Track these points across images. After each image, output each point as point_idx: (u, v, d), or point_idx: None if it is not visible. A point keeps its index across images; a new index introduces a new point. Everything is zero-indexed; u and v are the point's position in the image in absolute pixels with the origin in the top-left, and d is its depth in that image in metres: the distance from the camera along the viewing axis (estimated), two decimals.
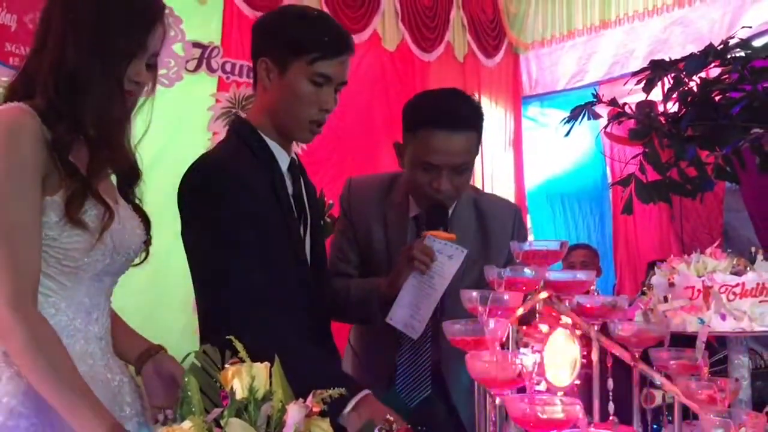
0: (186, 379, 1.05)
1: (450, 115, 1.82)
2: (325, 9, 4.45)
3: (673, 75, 2.56)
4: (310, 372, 1.07)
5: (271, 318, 1.49)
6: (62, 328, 1.26)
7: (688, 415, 1.32)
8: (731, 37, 2.46)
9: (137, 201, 1.44)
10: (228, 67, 4.08)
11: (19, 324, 1.17)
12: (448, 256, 1.69)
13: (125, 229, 1.34)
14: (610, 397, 1.36)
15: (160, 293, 3.56)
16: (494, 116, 5.50)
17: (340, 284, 1.86)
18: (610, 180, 5.49)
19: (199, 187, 1.59)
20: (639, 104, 2.88)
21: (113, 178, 1.43)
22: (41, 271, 1.24)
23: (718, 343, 2.54)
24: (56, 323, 1.25)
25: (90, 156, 1.29)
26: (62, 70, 1.26)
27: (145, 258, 1.44)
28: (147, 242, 1.42)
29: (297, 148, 1.78)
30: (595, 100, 2.70)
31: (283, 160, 1.67)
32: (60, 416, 1.18)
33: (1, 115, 1.24)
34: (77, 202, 1.23)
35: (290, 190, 1.67)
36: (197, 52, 3.98)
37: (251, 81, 4.46)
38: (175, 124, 3.70)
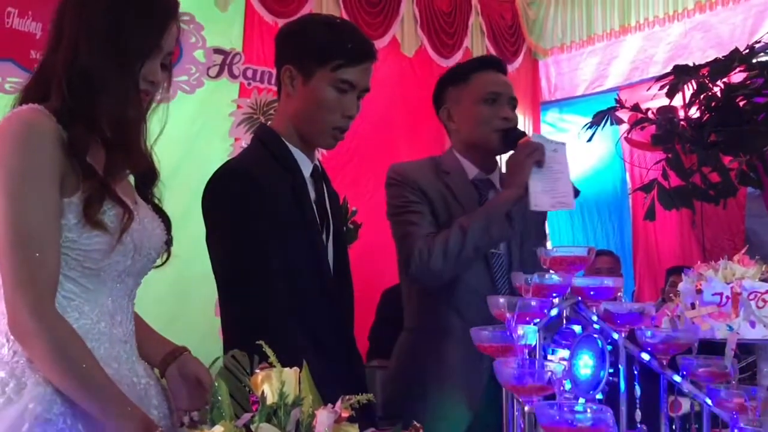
0: (216, 384, 1.05)
1: (493, 60, 2.19)
2: (345, 15, 4.47)
3: (696, 80, 2.54)
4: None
5: (283, 326, 1.50)
6: (86, 332, 1.24)
7: (717, 423, 1.31)
8: (757, 42, 2.44)
9: (156, 201, 1.42)
10: (249, 73, 4.12)
11: (40, 329, 1.15)
12: (553, 150, 1.90)
13: (146, 229, 1.31)
14: (638, 405, 1.35)
15: (183, 298, 3.59)
16: None
17: (442, 235, 1.88)
18: (629, 185, 5.45)
19: (221, 193, 1.61)
20: (660, 109, 2.86)
21: (131, 179, 1.41)
22: (63, 275, 1.22)
23: (740, 350, 2.51)
24: (80, 327, 1.23)
25: (107, 157, 1.26)
26: (75, 70, 1.24)
27: (167, 259, 1.42)
28: (168, 242, 1.39)
29: (317, 154, 1.79)
30: (617, 105, 2.69)
31: (306, 167, 1.68)
32: (87, 422, 1.17)
33: (16, 117, 1.22)
34: (95, 204, 1.20)
35: (312, 196, 1.68)
36: (218, 58, 4.02)
37: (273, 87, 4.48)
38: (196, 131, 3.74)
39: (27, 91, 1.29)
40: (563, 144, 1.94)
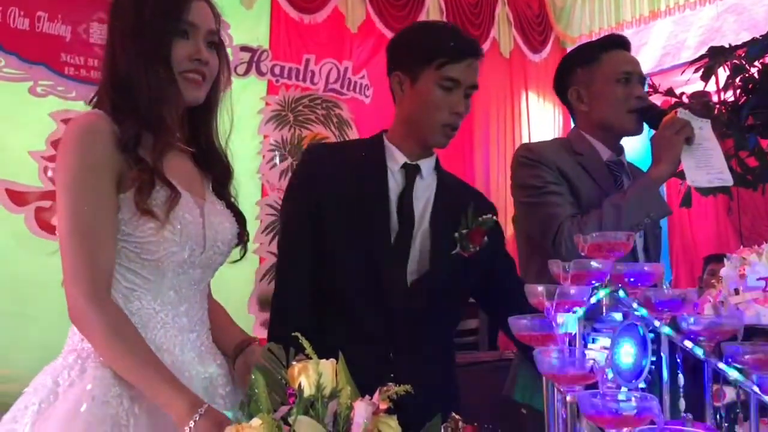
0: (253, 377, 1.05)
1: (621, 39, 2.10)
2: (370, 8, 4.47)
3: (731, 62, 2.48)
4: None
5: (284, 312, 1.58)
6: (147, 320, 1.31)
7: (765, 413, 1.26)
8: None
9: (232, 199, 1.49)
10: (277, 70, 4.12)
11: (97, 315, 1.23)
12: (698, 127, 1.86)
13: (211, 223, 1.38)
14: (681, 394, 1.31)
15: (216, 293, 3.61)
16: (542, 111, 5.43)
17: (593, 214, 1.84)
18: None
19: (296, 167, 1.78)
20: (694, 94, 2.80)
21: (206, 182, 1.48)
22: (124, 267, 1.30)
23: None
24: (142, 316, 1.31)
25: (153, 141, 1.33)
26: (116, 71, 1.34)
27: (244, 254, 1.50)
28: (241, 237, 1.47)
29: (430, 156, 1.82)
30: (650, 90, 2.63)
31: (394, 160, 1.70)
32: (143, 404, 1.24)
33: (76, 122, 1.32)
34: (145, 190, 1.28)
35: (397, 188, 1.68)
36: (246, 56, 4.03)
37: (300, 83, 4.49)
38: (226, 129, 3.74)
39: (95, 102, 1.39)
40: (707, 121, 1.89)
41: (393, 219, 1.65)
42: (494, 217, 1.72)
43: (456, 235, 1.67)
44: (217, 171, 1.47)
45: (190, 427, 1.16)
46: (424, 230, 1.67)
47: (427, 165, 1.73)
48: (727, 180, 1.85)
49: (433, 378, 1.68)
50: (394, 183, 1.68)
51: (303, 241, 1.65)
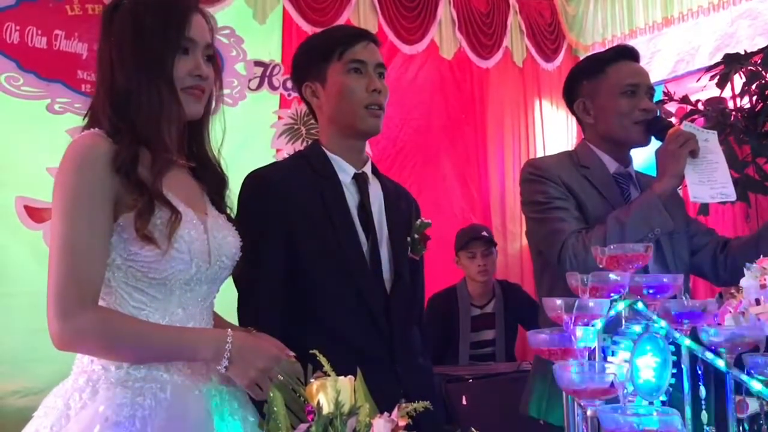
0: (271, 395, 1.05)
1: (628, 50, 2.09)
2: (382, 21, 4.48)
3: (747, 69, 2.47)
4: None
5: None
6: None
7: None
8: None
9: (228, 211, 1.50)
10: (289, 84, 4.14)
11: (89, 323, 1.25)
12: (704, 140, 1.84)
13: (215, 238, 1.38)
14: (703, 406, 1.29)
15: (226, 307, 3.62)
16: (556, 120, 5.41)
17: (597, 230, 1.82)
18: None
19: (241, 195, 1.69)
20: (710, 101, 2.79)
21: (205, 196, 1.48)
22: (132, 286, 1.30)
23: None
24: None
25: (152, 160, 1.33)
26: (115, 89, 1.34)
27: None
28: (243, 250, 1.47)
29: (368, 157, 1.83)
30: (665, 98, 2.62)
31: (345, 172, 1.72)
32: (152, 428, 1.23)
33: (75, 143, 1.32)
34: (145, 216, 1.27)
35: (354, 200, 1.71)
36: (259, 70, 4.05)
37: None
38: (239, 143, 3.77)
39: (88, 117, 1.38)
40: (714, 132, 1.87)
41: (359, 231, 1.68)
42: (428, 222, 1.79)
43: (409, 239, 1.74)
44: (212, 181, 1.48)
45: (227, 359, 1.25)
46: (386, 237, 1.72)
47: (369, 170, 1.77)
48: (730, 195, 1.82)
49: (429, 377, 1.77)
50: (350, 195, 1.71)
51: (277, 263, 1.61)
